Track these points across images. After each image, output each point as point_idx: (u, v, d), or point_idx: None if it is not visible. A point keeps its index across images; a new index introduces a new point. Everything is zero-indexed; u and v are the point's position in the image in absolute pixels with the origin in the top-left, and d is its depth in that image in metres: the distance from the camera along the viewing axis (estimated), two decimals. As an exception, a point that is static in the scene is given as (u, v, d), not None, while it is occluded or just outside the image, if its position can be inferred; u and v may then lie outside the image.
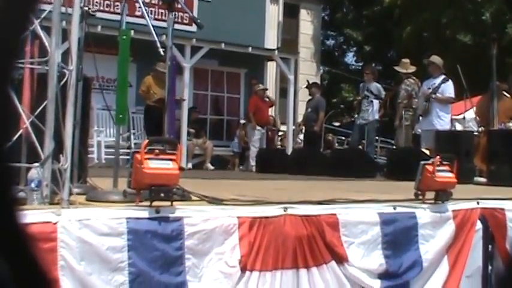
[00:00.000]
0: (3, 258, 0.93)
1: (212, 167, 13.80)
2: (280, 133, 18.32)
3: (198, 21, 4.99)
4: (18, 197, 3.49)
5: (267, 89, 14.70)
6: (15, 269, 0.92)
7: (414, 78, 12.79)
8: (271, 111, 19.91)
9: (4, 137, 0.94)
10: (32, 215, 3.46)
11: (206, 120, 15.50)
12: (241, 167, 14.57)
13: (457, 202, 5.29)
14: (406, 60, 13.06)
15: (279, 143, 18.04)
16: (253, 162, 13.79)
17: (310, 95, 15.47)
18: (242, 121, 15.36)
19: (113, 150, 5.84)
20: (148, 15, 12.89)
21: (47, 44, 4.08)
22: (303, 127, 16.01)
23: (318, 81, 24.53)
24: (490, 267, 5.39)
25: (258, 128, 14.23)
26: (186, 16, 14.24)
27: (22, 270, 0.92)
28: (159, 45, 4.36)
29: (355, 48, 33.59)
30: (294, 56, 16.26)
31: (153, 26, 4.70)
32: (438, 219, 5.07)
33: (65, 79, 4.12)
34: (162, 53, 4.37)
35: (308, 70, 24.91)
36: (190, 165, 13.52)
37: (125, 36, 4.49)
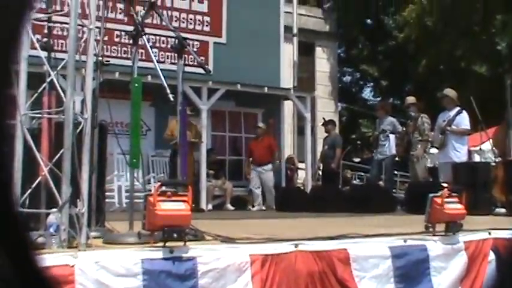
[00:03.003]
0: None
1: (232, 208, 13.89)
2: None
3: (206, 66, 5.14)
4: (36, 242, 3.64)
5: (263, 128, 14.71)
6: None
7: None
8: (291, 150, 20.05)
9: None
10: (51, 259, 3.61)
11: (225, 161, 15.64)
12: (261, 206, 14.59)
13: (469, 233, 5.35)
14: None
15: (298, 181, 18.09)
16: (255, 202, 13.95)
17: (326, 132, 15.58)
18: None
19: (134, 194, 5.98)
20: (163, 61, 13.11)
21: (62, 95, 4.27)
22: (321, 164, 16.07)
23: (336, 118, 24.66)
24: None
25: (253, 168, 14.35)
26: (201, 59, 14.54)
27: None
28: (168, 90, 4.52)
29: (372, 84, 33.77)
30: (309, 94, 16.40)
31: (165, 72, 4.89)
32: (450, 251, 5.14)
33: (80, 127, 4.30)
34: (171, 98, 4.54)
35: (326, 107, 25.06)
36: (210, 207, 13.61)
37: (136, 84, 4.67)
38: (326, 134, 15.82)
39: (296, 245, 4.40)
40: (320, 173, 16.39)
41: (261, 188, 14.23)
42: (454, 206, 5.12)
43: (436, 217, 5.10)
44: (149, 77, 9.18)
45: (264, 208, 14.22)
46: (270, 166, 14.27)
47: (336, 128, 18.27)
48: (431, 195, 5.11)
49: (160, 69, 4.99)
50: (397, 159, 13.99)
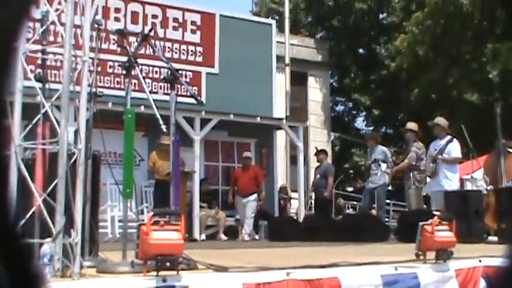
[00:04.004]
0: None
1: (225, 238, 13.89)
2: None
3: (198, 97, 5.21)
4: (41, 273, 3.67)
5: (249, 158, 14.77)
6: None
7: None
8: (284, 179, 20.09)
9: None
10: (44, 288, 3.64)
11: (218, 191, 15.66)
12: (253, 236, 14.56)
13: (459, 261, 5.40)
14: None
15: (291, 210, 18.11)
16: (243, 231, 13.98)
17: (318, 161, 15.66)
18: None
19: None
20: (155, 92, 13.18)
21: (57, 126, 4.33)
22: (313, 193, 16.11)
23: (329, 148, 24.75)
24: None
25: (239, 198, 14.37)
26: (194, 89, 14.64)
27: None
28: (161, 121, 4.59)
29: (364, 113, 33.92)
30: (302, 124, 16.50)
31: (158, 102, 4.96)
32: (441, 279, 5.18)
33: (74, 157, 4.35)
34: (164, 129, 4.60)
35: (319, 137, 25.17)
36: (203, 236, 13.62)
37: (129, 115, 4.73)
38: (318, 163, 15.90)
39: (288, 274, 4.44)
40: (312, 202, 16.43)
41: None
42: (444, 234, 5.17)
43: (427, 245, 5.15)
44: (142, 107, 9.26)
45: (257, 238, 14.22)
46: (254, 196, 14.26)
47: (329, 157, 18.35)
48: (421, 223, 5.16)
49: (153, 100, 5.06)
50: (389, 188, 14.05)
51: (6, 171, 4.24)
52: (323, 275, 4.59)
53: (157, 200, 12.35)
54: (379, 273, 4.89)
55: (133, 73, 5.25)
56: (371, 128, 32.38)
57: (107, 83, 13.63)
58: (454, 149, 11.77)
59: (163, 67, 13.90)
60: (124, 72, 5.27)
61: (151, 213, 4.23)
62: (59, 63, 8.29)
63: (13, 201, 4.16)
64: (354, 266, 4.99)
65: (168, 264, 3.98)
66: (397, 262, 5.16)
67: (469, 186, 14.78)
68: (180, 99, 5.40)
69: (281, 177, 19.18)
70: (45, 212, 4.16)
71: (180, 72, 5.02)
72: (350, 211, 21.14)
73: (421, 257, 5.19)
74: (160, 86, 14.01)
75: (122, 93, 12.62)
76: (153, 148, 13.06)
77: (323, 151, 15.96)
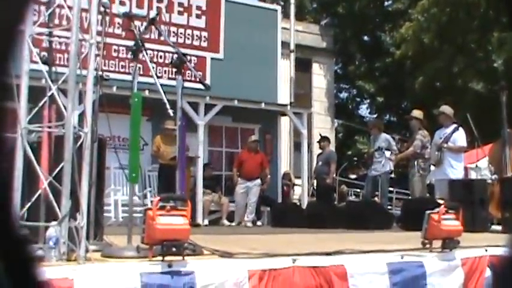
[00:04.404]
0: None
1: (228, 223, 13.89)
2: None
3: (205, 82, 5.18)
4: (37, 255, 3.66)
5: (258, 141, 14.62)
6: None
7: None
8: (287, 166, 20.06)
9: None
10: (50, 272, 3.62)
11: (221, 176, 15.64)
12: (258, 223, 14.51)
13: (465, 250, 5.38)
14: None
15: (295, 197, 18.10)
16: (246, 217, 13.82)
17: (320, 148, 15.63)
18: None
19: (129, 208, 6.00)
20: (160, 75, 13.15)
21: (63, 108, 4.30)
22: (314, 181, 16.10)
23: (333, 135, 24.72)
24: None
25: (241, 182, 14.12)
26: (199, 74, 14.58)
27: None
28: (168, 106, 4.56)
29: (368, 101, 33.84)
30: (306, 111, 16.46)
31: (165, 86, 4.92)
32: (446, 268, 5.16)
33: (80, 141, 4.32)
34: (171, 114, 4.57)
35: (322, 124, 25.11)
36: (206, 222, 13.62)
37: (136, 99, 4.70)
38: (321, 150, 15.88)
39: (294, 260, 4.42)
40: (313, 188, 16.42)
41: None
42: (451, 223, 5.14)
43: (433, 234, 5.13)
44: (147, 91, 9.21)
45: (259, 224, 14.20)
46: (258, 181, 14.13)
47: (332, 144, 18.30)
48: (428, 211, 5.13)
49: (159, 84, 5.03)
50: (392, 175, 14.03)
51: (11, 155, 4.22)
52: (329, 263, 4.58)
53: (162, 185, 12.34)
54: (385, 261, 4.87)
55: (140, 57, 5.22)
56: (375, 116, 32.31)
57: (112, 67, 13.57)
58: (460, 137, 11.74)
59: (168, 52, 13.86)
60: (130, 55, 5.23)
61: (158, 198, 4.21)
62: (63, 47, 8.27)
63: (16, 184, 4.15)
64: (360, 253, 4.97)
65: (174, 249, 3.97)
66: (403, 250, 5.14)
67: (473, 175, 14.76)
68: (184, 84, 5.36)
69: (284, 164, 19.16)
70: (51, 195, 4.14)
71: (187, 56, 4.97)
72: (353, 198, 21.12)
73: (427, 246, 5.17)
74: (165, 71, 13.95)
75: (127, 77, 12.59)
76: (157, 132, 13.04)
77: (326, 138, 15.93)
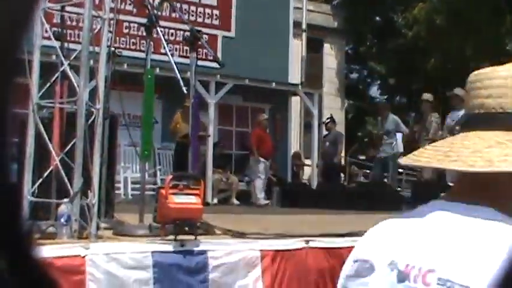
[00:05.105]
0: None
1: (237, 202, 13.86)
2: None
3: (219, 59, 5.11)
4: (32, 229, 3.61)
5: (266, 118, 14.48)
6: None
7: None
8: (297, 146, 19.99)
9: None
10: (62, 249, 3.59)
11: (231, 155, 15.60)
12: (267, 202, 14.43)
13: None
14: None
15: (304, 177, 18.06)
16: (260, 194, 13.60)
17: (327, 130, 15.55)
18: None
19: (139, 186, 5.96)
20: (173, 52, 13.11)
21: (75, 84, 4.24)
22: (321, 161, 16.03)
23: (343, 115, 24.63)
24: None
25: (262, 160, 13.94)
26: (213, 51, 14.48)
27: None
28: (182, 83, 4.49)
29: (379, 82, 33.64)
30: (317, 91, 16.40)
31: (176, 64, 4.85)
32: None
33: (92, 117, 4.27)
34: (185, 91, 4.51)
35: (332, 104, 24.98)
36: (215, 201, 13.59)
37: (149, 76, 4.64)
38: (327, 132, 15.83)
39: (307, 242, 4.38)
40: (320, 169, 16.35)
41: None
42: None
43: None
44: (157, 69, 9.15)
45: (268, 203, 14.15)
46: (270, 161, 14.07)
47: (342, 125, 18.24)
48: (443, 194, 5.07)
49: (169, 62, 4.96)
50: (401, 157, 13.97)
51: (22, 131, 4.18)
52: (342, 244, 4.53)
53: (176, 163, 12.31)
54: (398, 244, 4.81)
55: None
56: (385, 97, 32.13)
57: (123, 44, 13.49)
58: (472, 120, 11.61)
59: (179, 29, 13.76)
60: (141, 32, 5.16)
61: (170, 176, 4.16)
62: (74, 23, 8.19)
63: (27, 159, 4.11)
64: (373, 235, 4.92)
65: (186, 228, 3.93)
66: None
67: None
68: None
69: (295, 144, 19.11)
70: (62, 172, 4.10)
71: (201, 33, 4.89)
72: (362, 179, 21.06)
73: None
74: (176, 48, 13.87)
75: (138, 54, 12.56)
76: (171, 109, 12.99)
77: (332, 119, 15.80)
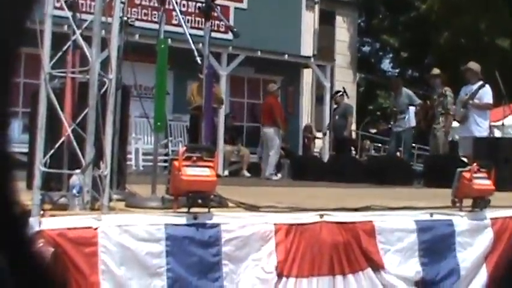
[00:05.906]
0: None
1: (248, 174, 13.84)
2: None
3: (235, 29, 5.02)
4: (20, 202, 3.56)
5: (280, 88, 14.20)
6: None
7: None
8: (309, 118, 19.88)
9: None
10: (74, 220, 3.55)
11: (242, 127, 15.55)
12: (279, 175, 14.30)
13: (495, 210, 5.25)
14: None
15: (315, 150, 17.99)
16: (273, 170, 13.35)
17: (336, 103, 15.42)
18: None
19: (150, 157, 5.92)
20: (185, 24, 12.95)
21: (88, 53, 4.17)
22: (331, 134, 15.90)
23: (354, 88, 24.48)
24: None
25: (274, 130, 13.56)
26: (222, 24, 14.34)
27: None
28: (196, 53, 4.42)
29: (391, 55, 33.42)
30: (329, 63, 16.30)
31: (190, 35, 4.76)
32: (476, 227, 5.05)
33: (104, 88, 4.20)
34: (199, 61, 4.43)
35: (344, 77, 24.82)
36: (226, 172, 13.59)
37: (162, 46, 4.56)
38: (336, 105, 15.71)
39: (321, 216, 4.32)
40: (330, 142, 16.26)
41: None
42: (482, 182, 5.01)
43: (464, 192, 4.99)
44: (169, 40, 9.05)
45: (279, 175, 14.10)
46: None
47: (353, 98, 18.12)
48: (459, 169, 4.99)
49: (181, 33, 4.87)
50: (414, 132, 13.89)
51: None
52: (357, 219, 4.47)
53: (189, 134, 12.27)
54: (413, 219, 4.76)
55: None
56: (397, 71, 31.95)
57: (134, 15, 13.40)
58: (486, 94, 11.50)
59: (191, 0, 13.66)
60: (153, 3, 5.07)
61: (184, 148, 4.09)
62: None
63: (39, 131, 4.05)
64: (388, 210, 4.86)
65: (199, 201, 3.87)
66: (432, 208, 5.02)
67: (497, 133, 14.52)
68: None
69: (306, 117, 19.03)
70: (74, 143, 4.04)
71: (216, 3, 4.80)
72: (373, 153, 21.00)
73: (458, 204, 5.04)
74: (188, 20, 13.76)
75: (149, 25, 12.47)
76: (183, 80, 12.94)
77: (339, 92, 15.63)
